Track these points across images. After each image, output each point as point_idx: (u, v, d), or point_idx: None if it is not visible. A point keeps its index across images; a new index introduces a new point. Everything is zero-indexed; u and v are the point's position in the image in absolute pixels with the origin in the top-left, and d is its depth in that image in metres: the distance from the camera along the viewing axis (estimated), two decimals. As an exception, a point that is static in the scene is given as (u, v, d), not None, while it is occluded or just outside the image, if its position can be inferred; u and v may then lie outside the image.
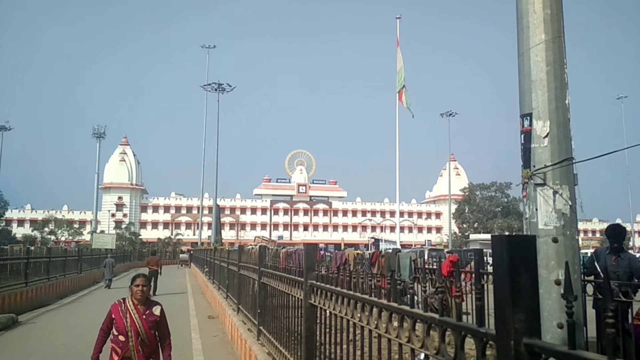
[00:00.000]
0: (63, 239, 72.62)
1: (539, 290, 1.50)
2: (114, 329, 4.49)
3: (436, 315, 1.91)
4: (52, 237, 70.99)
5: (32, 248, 22.09)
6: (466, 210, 79.29)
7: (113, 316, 4.50)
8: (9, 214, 76.49)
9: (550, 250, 3.82)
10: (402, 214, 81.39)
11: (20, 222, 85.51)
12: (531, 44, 4.07)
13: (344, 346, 3.25)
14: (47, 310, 15.19)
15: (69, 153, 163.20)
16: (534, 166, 3.96)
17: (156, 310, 4.62)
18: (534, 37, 4.07)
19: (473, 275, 7.10)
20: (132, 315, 4.48)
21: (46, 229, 73.02)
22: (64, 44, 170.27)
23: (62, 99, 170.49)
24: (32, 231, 73.44)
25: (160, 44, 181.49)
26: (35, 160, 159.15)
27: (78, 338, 9.55)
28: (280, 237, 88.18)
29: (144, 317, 4.52)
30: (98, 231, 71.42)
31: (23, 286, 15.35)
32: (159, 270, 20.94)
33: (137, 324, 4.46)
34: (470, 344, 1.77)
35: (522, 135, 4.06)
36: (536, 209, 3.92)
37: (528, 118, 4.00)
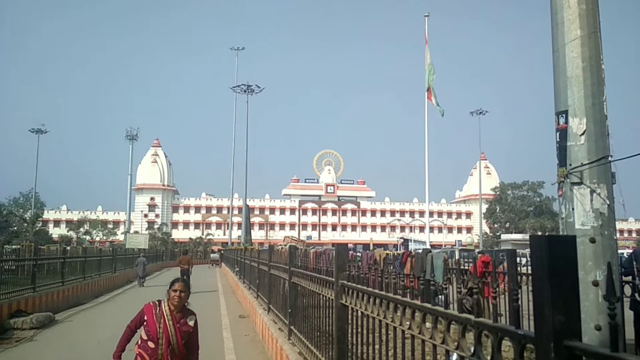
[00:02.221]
0: (98, 239, 74.28)
1: (579, 291, 1.47)
2: (143, 333, 4.20)
3: (472, 317, 1.88)
4: (87, 237, 72.66)
5: (68, 248, 22.73)
6: (497, 210, 78.10)
7: (145, 317, 4.21)
8: (45, 215, 78.60)
9: (587, 250, 3.73)
10: (431, 213, 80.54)
11: (57, 223, 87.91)
12: (566, 39, 3.98)
13: (376, 346, 3.24)
14: (83, 308, 15.58)
15: (103, 155, 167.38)
16: (570, 164, 3.87)
17: (190, 321, 4.32)
18: (569, 32, 3.98)
19: (506, 276, 6.99)
20: (167, 321, 4.18)
21: (81, 230, 74.79)
22: (98, 48, 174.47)
23: (96, 101, 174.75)
24: (68, 231, 75.32)
25: (191, 46, 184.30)
26: (71, 162, 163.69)
27: (113, 336, 9.69)
28: (309, 237, 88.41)
29: (178, 325, 4.22)
30: (131, 231, 72.83)
31: (60, 285, 15.78)
32: (190, 270, 21.36)
33: (169, 332, 4.16)
34: (504, 345, 1.75)
35: (558, 133, 3.98)
36: (573, 209, 3.83)
37: (564, 115, 3.91)
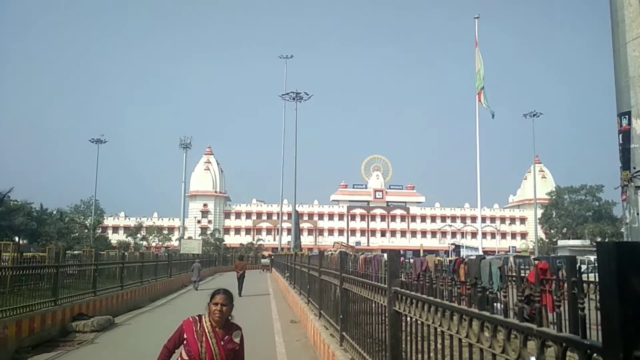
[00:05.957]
0: (154, 244, 76.53)
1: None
2: (183, 352, 3.76)
3: (534, 326, 1.84)
4: (144, 243, 74.98)
5: (127, 253, 23.59)
6: (553, 215, 75.32)
7: (185, 335, 3.76)
8: (104, 222, 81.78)
9: (654, 257, 3.55)
10: (484, 219, 78.69)
11: (115, 229, 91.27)
12: (627, 38, 3.81)
13: (431, 354, 3.20)
14: (141, 312, 16.11)
15: (158, 163, 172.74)
16: (634, 167, 3.70)
17: (236, 337, 3.86)
18: (630, 31, 3.81)
19: (565, 283, 6.76)
20: (209, 339, 3.74)
21: (138, 235, 77.36)
22: (154, 59, 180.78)
23: (152, 111, 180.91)
24: (126, 237, 78.10)
25: (241, 54, 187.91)
26: (128, 170, 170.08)
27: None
28: (358, 243, 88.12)
29: (222, 343, 3.77)
30: (185, 237, 74.74)
31: (119, 289, 16.37)
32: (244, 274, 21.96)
33: (213, 351, 3.71)
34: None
35: (620, 135, 3.81)
36: (637, 213, 3.66)
37: (626, 117, 3.75)
